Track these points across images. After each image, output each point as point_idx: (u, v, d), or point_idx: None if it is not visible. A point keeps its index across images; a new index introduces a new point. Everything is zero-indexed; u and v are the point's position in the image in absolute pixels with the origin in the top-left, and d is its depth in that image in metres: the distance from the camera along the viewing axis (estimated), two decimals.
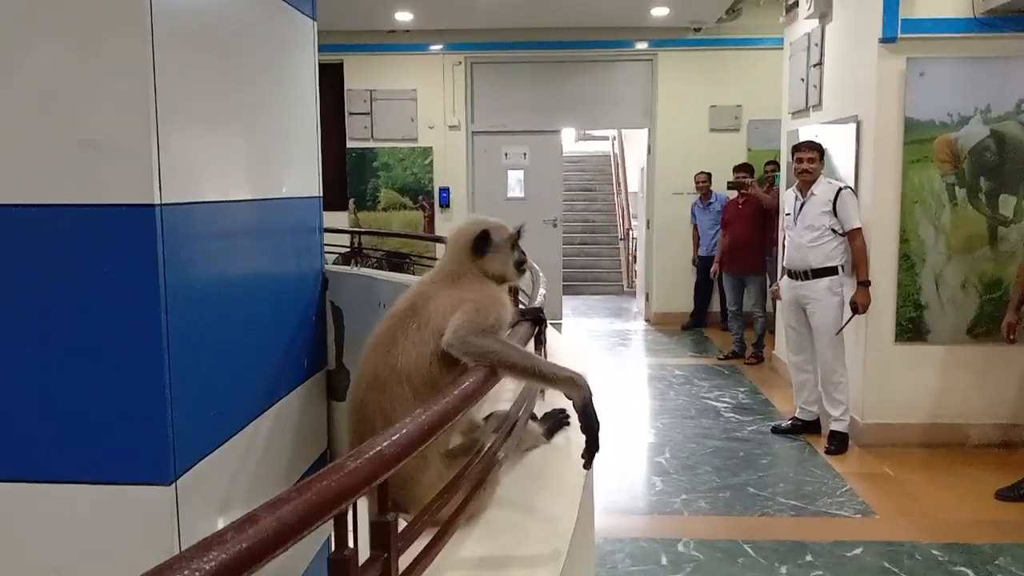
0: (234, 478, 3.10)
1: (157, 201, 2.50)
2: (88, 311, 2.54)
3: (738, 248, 7.21)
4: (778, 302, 5.11)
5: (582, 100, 9.09)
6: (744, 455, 4.83)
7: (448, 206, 8.96)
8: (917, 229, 4.80)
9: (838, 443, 4.81)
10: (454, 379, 1.39)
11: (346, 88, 8.92)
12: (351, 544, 0.83)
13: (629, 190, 12.33)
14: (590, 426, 1.44)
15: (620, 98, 9.13)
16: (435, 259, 5.12)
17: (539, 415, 1.96)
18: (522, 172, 9.14)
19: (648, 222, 9.28)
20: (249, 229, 3.46)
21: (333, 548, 0.83)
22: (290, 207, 4.10)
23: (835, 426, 4.85)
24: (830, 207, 4.74)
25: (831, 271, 4.78)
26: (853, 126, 5.04)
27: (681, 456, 4.83)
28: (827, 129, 5.52)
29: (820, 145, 4.97)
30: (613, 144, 13.66)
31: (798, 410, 5.19)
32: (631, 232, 11.79)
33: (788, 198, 5.13)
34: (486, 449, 1.47)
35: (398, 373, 1.48)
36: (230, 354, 3.09)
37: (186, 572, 0.57)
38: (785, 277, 5.10)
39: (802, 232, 4.85)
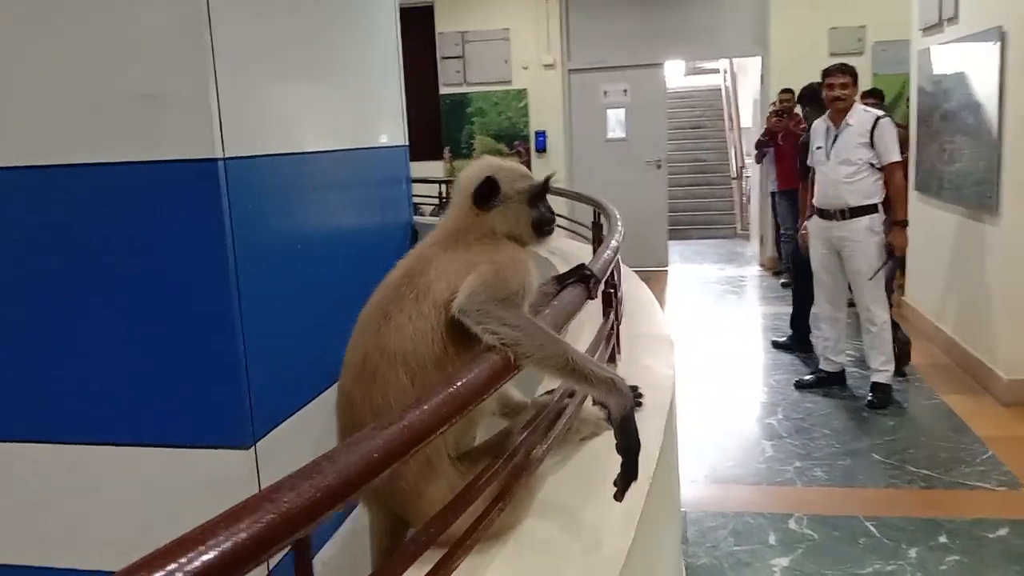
0: (316, 442, 3.02)
1: (220, 155, 2.46)
2: (158, 273, 2.53)
3: None
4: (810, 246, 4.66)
5: (687, 29, 8.48)
6: (868, 416, 4.34)
7: (545, 151, 8.58)
8: None
9: (881, 395, 4.46)
10: (461, 364, 1.08)
11: (437, 32, 8.61)
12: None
13: (742, 125, 11.56)
14: (628, 445, 1.11)
15: (729, 24, 8.46)
16: None
17: None
18: (623, 111, 8.64)
19: None
20: (326, 181, 3.38)
21: None
22: (372, 157, 4.01)
23: (877, 377, 4.50)
24: (867, 138, 4.27)
25: (871, 209, 4.34)
26: (996, 43, 4.34)
27: (795, 417, 4.39)
28: (965, 48, 4.82)
29: (853, 69, 4.42)
30: (724, 77, 12.82)
31: (823, 361, 4.83)
32: (744, 171, 11.06)
33: (818, 129, 4.56)
34: (511, 450, 1.15)
35: (391, 355, 1.18)
36: (310, 313, 3.01)
37: None
38: (814, 218, 4.59)
39: (836, 167, 4.38)
